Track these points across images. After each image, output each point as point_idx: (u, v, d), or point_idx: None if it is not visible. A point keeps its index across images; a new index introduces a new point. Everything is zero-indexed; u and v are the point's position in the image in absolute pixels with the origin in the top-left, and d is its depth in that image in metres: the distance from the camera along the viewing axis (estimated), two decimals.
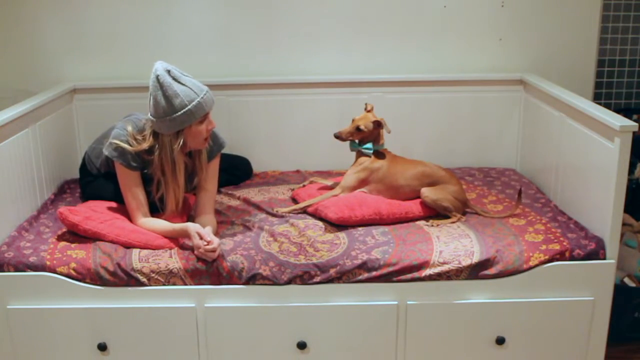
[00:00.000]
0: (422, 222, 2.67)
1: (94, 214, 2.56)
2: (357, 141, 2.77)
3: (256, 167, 3.30)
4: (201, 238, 2.38)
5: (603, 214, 2.44)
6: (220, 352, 2.48)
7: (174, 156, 2.47)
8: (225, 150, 2.71)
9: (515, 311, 2.45)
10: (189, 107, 2.39)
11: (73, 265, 2.41)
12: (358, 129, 2.73)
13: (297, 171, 3.32)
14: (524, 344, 2.49)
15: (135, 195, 2.55)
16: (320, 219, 2.67)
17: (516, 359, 2.50)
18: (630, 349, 2.87)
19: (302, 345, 2.45)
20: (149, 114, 2.47)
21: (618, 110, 3.34)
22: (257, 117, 3.34)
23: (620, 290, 2.67)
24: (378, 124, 2.74)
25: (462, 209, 2.72)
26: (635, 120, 2.55)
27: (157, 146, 2.48)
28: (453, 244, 2.48)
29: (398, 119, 3.34)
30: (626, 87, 3.48)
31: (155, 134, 2.48)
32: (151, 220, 2.55)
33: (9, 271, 2.43)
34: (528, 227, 2.60)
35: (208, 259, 2.39)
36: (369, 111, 2.79)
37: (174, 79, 2.40)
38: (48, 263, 2.42)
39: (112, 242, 2.48)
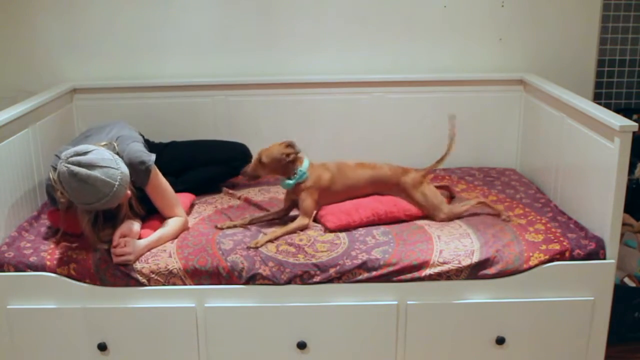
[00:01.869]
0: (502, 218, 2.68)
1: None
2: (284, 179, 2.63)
3: None
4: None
5: (603, 214, 2.44)
6: (220, 352, 2.48)
7: (83, 224, 2.38)
8: (221, 138, 2.66)
9: (515, 311, 2.45)
10: (96, 204, 2.26)
11: (73, 265, 2.41)
12: (260, 161, 2.58)
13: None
14: (524, 344, 2.49)
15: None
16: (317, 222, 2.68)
17: (516, 359, 2.50)
18: (630, 349, 2.87)
19: (302, 345, 2.45)
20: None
21: (618, 110, 3.33)
22: (257, 117, 3.34)
23: (620, 290, 2.67)
24: (287, 155, 2.57)
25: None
26: (635, 120, 2.55)
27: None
28: (453, 243, 2.48)
29: (398, 119, 3.34)
30: (626, 87, 3.48)
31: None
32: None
33: (9, 271, 2.43)
34: (528, 227, 2.60)
35: (115, 261, 2.39)
36: (285, 144, 2.61)
37: (81, 181, 2.21)
38: (48, 263, 2.42)
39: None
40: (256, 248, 2.46)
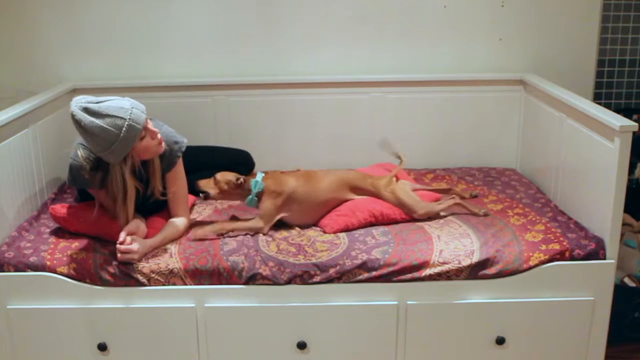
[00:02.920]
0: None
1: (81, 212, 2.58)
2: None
3: (256, 167, 3.29)
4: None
5: (603, 214, 2.44)
6: (220, 352, 2.48)
7: (128, 183, 2.38)
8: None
9: (515, 311, 2.45)
10: (122, 135, 2.26)
11: (73, 265, 2.41)
12: (215, 179, 2.58)
13: (297, 171, 3.32)
14: (524, 344, 2.49)
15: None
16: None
17: (516, 359, 2.50)
18: (630, 349, 2.87)
19: (302, 345, 2.45)
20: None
21: (618, 110, 3.33)
22: (257, 117, 3.34)
23: (620, 290, 2.67)
24: (237, 179, 2.57)
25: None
26: (635, 120, 2.55)
27: (107, 173, 2.39)
28: (453, 243, 2.48)
29: (398, 119, 3.34)
30: (626, 87, 3.48)
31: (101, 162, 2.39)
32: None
33: (9, 271, 2.43)
34: (528, 227, 2.60)
35: (120, 258, 2.39)
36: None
37: (94, 114, 2.24)
38: (48, 263, 2.42)
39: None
40: (198, 240, 2.48)
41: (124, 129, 2.26)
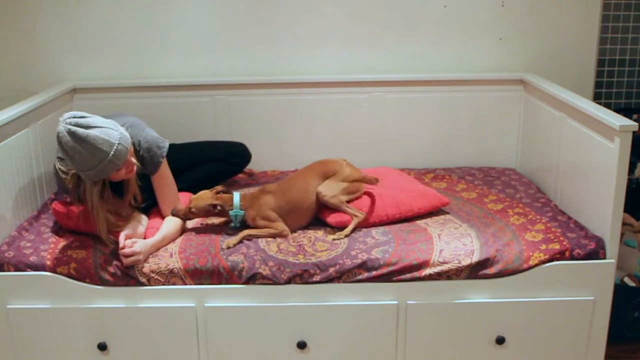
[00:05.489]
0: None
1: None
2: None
3: (256, 167, 3.30)
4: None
5: (603, 214, 2.44)
6: (220, 352, 2.48)
7: (94, 204, 2.37)
8: (221, 138, 2.66)
9: (515, 311, 2.45)
10: (99, 166, 2.25)
11: (73, 265, 2.41)
12: (190, 210, 2.54)
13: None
14: (524, 344, 2.49)
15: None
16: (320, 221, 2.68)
17: (516, 359, 2.50)
18: (630, 349, 2.87)
19: (302, 345, 2.45)
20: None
21: (618, 110, 3.33)
22: (257, 117, 3.33)
23: (620, 290, 2.67)
24: (213, 206, 2.54)
25: (359, 189, 2.65)
26: (635, 120, 2.56)
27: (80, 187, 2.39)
28: (453, 243, 2.48)
29: (398, 119, 3.34)
30: (626, 87, 3.48)
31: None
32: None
33: (9, 271, 2.43)
34: (528, 226, 2.60)
35: (126, 263, 2.39)
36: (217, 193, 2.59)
37: (79, 140, 2.21)
38: (48, 263, 2.42)
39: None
40: (228, 248, 2.46)
41: (104, 161, 2.25)
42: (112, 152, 2.25)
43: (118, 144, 2.27)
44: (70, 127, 2.22)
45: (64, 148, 2.24)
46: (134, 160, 2.41)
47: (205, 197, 2.56)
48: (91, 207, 2.38)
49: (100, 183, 2.36)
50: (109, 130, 2.27)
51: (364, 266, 2.40)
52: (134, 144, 2.47)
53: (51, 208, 2.63)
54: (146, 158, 2.50)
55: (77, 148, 2.22)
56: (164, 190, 2.60)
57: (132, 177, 2.45)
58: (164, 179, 2.60)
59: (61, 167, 2.45)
